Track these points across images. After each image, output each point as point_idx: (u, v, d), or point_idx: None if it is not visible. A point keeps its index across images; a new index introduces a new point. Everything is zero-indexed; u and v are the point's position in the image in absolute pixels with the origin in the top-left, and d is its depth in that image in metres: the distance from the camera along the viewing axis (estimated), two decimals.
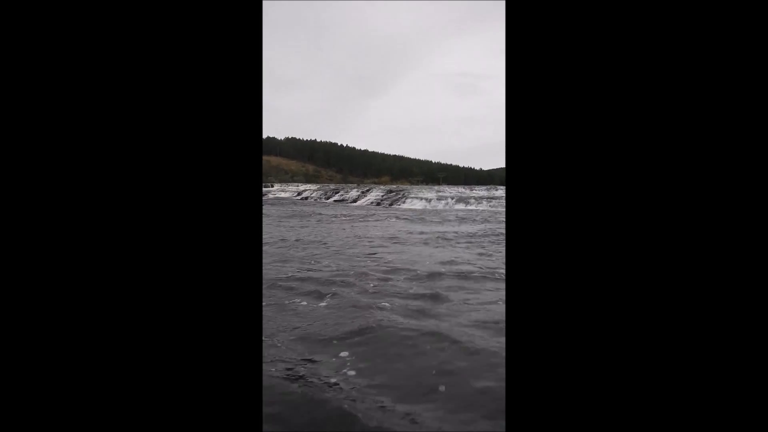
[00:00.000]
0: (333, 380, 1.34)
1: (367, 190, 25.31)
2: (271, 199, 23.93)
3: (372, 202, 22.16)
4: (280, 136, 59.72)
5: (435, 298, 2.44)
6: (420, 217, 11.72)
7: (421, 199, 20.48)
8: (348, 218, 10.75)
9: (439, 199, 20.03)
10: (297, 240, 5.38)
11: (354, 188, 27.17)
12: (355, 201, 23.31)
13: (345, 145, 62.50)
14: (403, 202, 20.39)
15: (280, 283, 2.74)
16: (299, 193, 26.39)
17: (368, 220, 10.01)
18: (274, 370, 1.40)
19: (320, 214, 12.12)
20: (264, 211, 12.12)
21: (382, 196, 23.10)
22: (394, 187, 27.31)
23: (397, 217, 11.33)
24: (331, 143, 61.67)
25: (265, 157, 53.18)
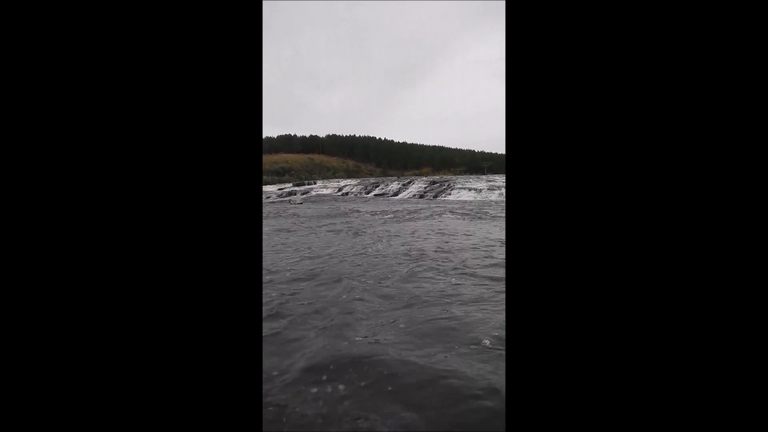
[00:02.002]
0: None
1: (408, 183, 23.47)
2: (313, 196, 23.14)
3: (414, 195, 20.30)
4: (322, 134, 59.91)
5: None
6: (480, 211, 9.57)
7: (470, 189, 18.12)
8: (393, 217, 8.91)
9: (491, 189, 17.52)
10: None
11: (394, 181, 25.46)
12: (396, 194, 21.64)
13: (383, 138, 61.05)
14: (449, 194, 18.21)
15: None
16: (340, 189, 25.37)
17: (418, 219, 8.13)
18: None
19: (358, 211, 10.49)
20: (295, 212, 10.67)
21: (425, 187, 21.07)
22: (437, 177, 25.00)
23: (452, 212, 9.32)
24: (369, 137, 60.57)
25: (308, 156, 53.79)
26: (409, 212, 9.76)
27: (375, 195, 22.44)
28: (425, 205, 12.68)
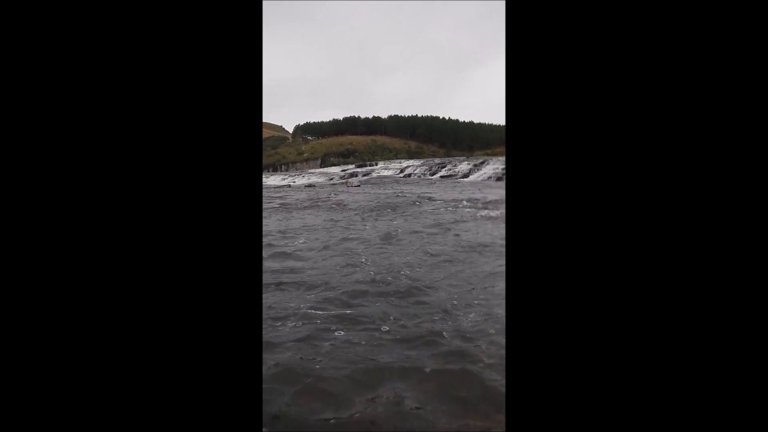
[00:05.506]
0: None
1: (481, 163, 19.52)
2: (374, 178, 20.93)
3: (490, 177, 16.51)
4: (384, 116, 57.19)
5: None
6: None
7: None
8: None
9: None
10: None
11: (463, 161, 21.63)
12: (466, 176, 18.09)
13: (447, 118, 55.62)
14: None
15: None
16: (402, 170, 22.70)
17: None
18: None
19: (431, 199, 7.60)
20: (341, 200, 7.99)
21: (504, 168, 17.03)
22: None
23: None
24: (432, 117, 55.82)
25: (371, 137, 52.00)
26: None
27: (441, 177, 19.18)
28: None
